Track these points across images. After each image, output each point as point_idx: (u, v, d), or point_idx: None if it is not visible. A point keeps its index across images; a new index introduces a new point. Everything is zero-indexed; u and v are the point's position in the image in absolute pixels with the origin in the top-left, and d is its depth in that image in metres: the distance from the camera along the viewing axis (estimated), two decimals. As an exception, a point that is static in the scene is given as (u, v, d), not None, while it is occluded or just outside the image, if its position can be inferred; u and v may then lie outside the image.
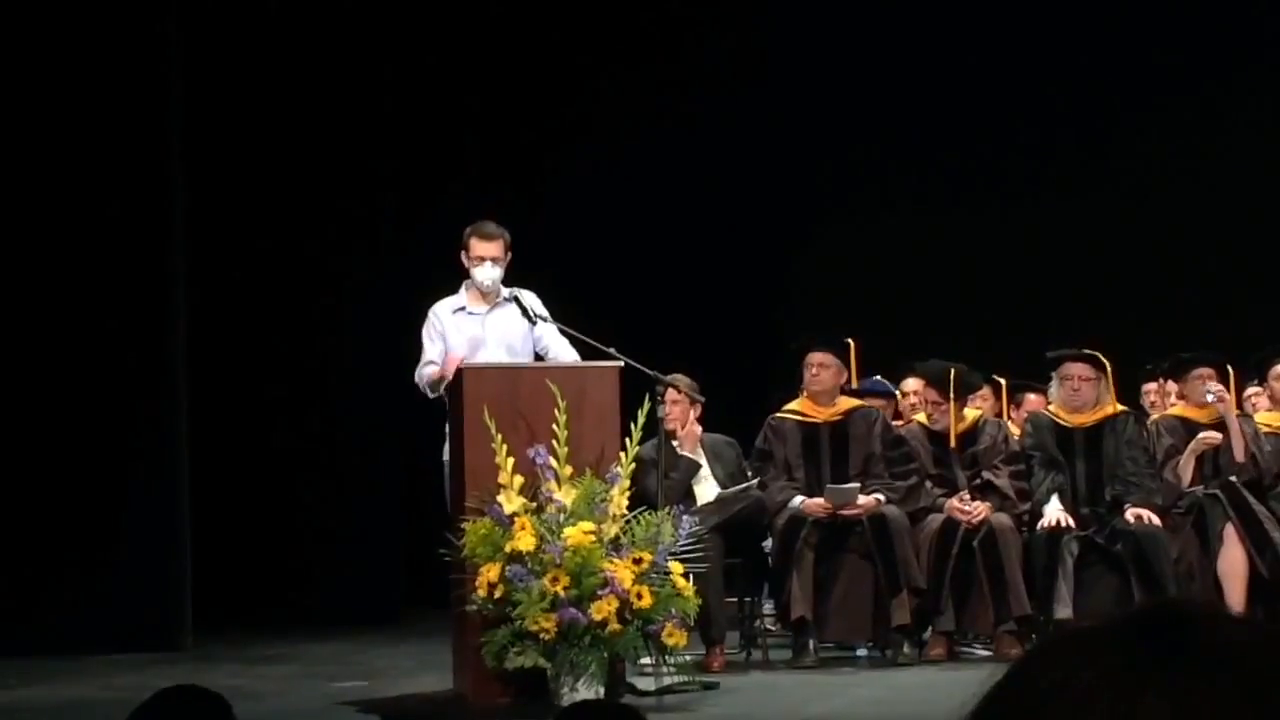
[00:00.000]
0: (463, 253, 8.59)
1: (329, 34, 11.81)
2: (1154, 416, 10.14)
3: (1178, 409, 9.96)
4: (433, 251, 9.46)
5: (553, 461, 7.45)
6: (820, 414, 9.52)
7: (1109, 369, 9.53)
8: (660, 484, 8.27)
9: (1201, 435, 9.60)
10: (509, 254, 8.58)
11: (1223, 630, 1.15)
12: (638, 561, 7.38)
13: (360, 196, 11.88)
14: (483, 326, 8.56)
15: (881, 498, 9.27)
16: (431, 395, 8.44)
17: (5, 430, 10.20)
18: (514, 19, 12.98)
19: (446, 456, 8.24)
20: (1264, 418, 9.92)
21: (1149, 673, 1.12)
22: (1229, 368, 9.81)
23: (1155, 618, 1.16)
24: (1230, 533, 9.25)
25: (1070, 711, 1.12)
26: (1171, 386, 10.32)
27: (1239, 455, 9.51)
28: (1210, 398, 9.53)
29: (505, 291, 8.54)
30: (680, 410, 9.20)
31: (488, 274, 8.50)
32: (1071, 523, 9.29)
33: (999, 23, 12.64)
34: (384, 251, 11.88)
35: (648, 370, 8.12)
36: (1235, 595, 9.06)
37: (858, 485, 9.29)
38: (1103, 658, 1.14)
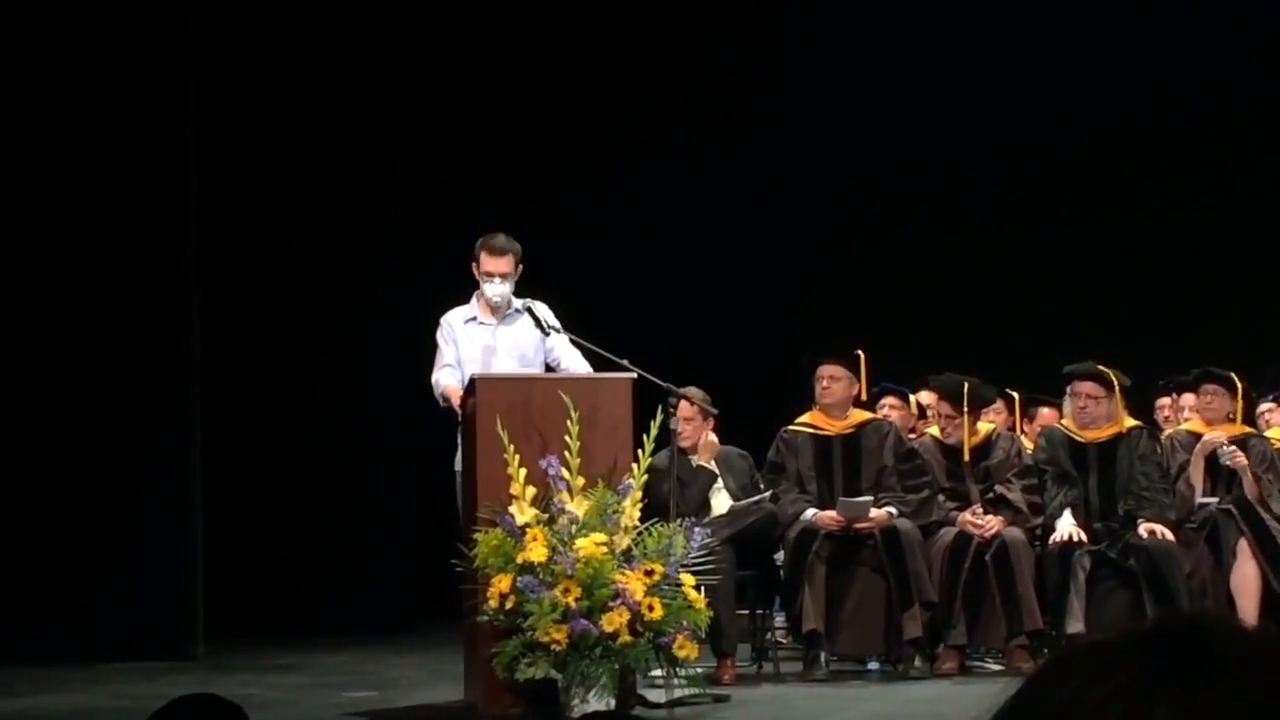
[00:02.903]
0: (474, 264, 8.58)
1: (345, 45, 11.83)
2: (1168, 432, 10.12)
3: (1191, 424, 9.94)
4: (447, 261, 9.45)
5: (565, 472, 7.44)
6: (833, 427, 9.51)
7: (1118, 387, 9.50)
8: (672, 496, 8.26)
9: (1206, 438, 9.58)
10: (520, 267, 8.56)
11: (1235, 643, 1.15)
12: (649, 573, 7.36)
13: (375, 206, 11.91)
14: (494, 336, 8.57)
15: (894, 511, 9.26)
16: (441, 405, 8.44)
17: (18, 438, 10.22)
18: (532, 33, 12.99)
19: (459, 466, 8.24)
20: (1277, 434, 9.90)
21: (1161, 686, 1.12)
22: (1237, 383, 9.78)
23: (1168, 631, 1.16)
24: (1243, 548, 9.24)
25: (1083, 724, 1.12)
26: (1187, 400, 10.30)
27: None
28: (1224, 459, 9.52)
29: (518, 302, 8.54)
30: (693, 428, 9.18)
31: (496, 290, 8.50)
32: (1084, 537, 9.27)
33: (1017, 42, 12.64)
34: (398, 261, 11.89)
35: (660, 382, 8.11)
36: (1248, 610, 9.04)
37: (870, 498, 9.28)
38: (1116, 671, 1.14)
